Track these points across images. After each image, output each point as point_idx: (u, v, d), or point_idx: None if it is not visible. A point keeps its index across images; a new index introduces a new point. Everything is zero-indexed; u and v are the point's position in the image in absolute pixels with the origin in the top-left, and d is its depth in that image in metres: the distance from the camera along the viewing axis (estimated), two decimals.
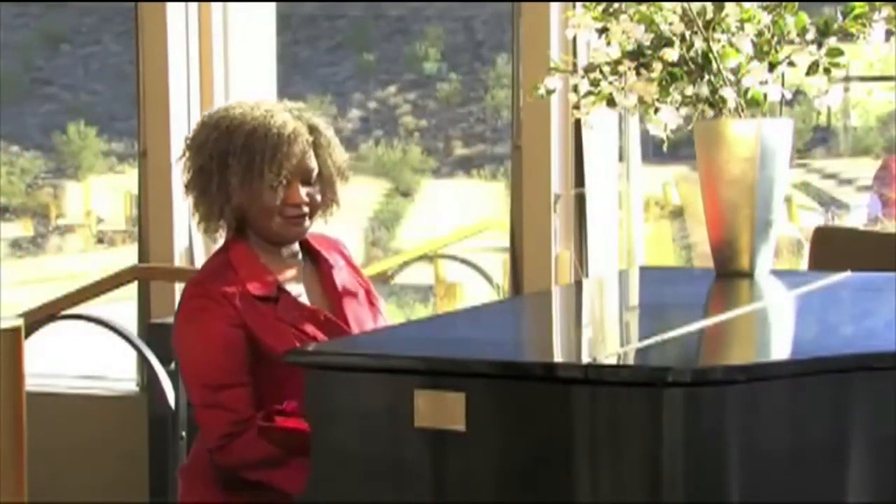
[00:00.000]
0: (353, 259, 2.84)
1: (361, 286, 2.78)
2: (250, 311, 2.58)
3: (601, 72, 2.64)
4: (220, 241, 2.75)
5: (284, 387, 2.54)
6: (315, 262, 2.74)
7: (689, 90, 2.61)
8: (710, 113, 2.64)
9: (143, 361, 4.12)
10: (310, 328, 2.60)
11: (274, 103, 2.73)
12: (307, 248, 2.75)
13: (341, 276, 2.74)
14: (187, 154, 2.68)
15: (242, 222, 2.68)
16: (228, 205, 2.65)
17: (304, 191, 2.64)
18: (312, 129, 2.68)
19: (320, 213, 2.74)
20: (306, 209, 2.65)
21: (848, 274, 2.75)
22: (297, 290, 2.68)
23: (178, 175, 2.75)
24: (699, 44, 2.59)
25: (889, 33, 2.56)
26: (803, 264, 4.11)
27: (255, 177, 2.61)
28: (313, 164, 2.66)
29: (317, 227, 2.81)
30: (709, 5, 2.60)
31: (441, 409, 1.82)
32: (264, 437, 2.52)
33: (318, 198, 2.67)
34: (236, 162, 2.62)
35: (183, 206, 4.42)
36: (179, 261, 4.41)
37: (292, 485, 2.48)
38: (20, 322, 2.73)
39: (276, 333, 2.57)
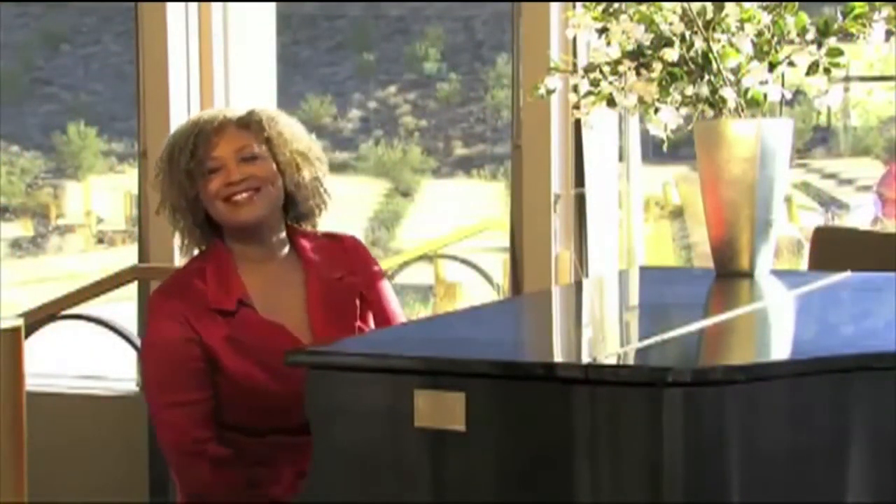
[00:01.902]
0: (372, 265, 2.75)
1: (354, 296, 2.68)
2: (207, 324, 2.56)
3: (601, 72, 2.64)
4: None
5: (240, 402, 2.53)
6: (307, 271, 2.68)
7: (689, 90, 2.61)
8: (710, 113, 2.64)
9: None
10: (259, 348, 2.55)
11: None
12: (302, 254, 2.69)
13: (331, 291, 2.66)
14: None
15: (213, 224, 2.67)
16: (173, 206, 2.65)
17: (242, 168, 2.59)
18: (245, 115, 2.66)
19: (315, 210, 2.71)
20: (253, 184, 2.59)
21: (848, 274, 2.75)
22: (268, 303, 2.62)
23: None
24: (699, 44, 2.59)
25: (889, 33, 2.56)
26: (803, 264, 4.11)
27: (174, 167, 2.61)
28: (245, 140, 2.61)
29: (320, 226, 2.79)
30: (709, 5, 2.60)
31: (441, 409, 1.82)
32: (216, 470, 2.52)
33: (269, 174, 2.61)
34: (163, 166, 2.65)
35: None
36: (179, 261, 4.40)
37: None
38: (20, 322, 2.73)
39: (227, 349, 2.55)
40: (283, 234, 2.69)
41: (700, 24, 2.58)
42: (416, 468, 1.85)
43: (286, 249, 2.69)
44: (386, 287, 2.76)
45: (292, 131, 2.67)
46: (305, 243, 2.70)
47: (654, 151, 3.73)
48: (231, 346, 2.55)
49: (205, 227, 2.66)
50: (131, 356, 4.46)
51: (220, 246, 2.64)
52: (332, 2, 16.25)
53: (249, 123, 2.64)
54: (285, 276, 2.66)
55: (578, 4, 2.74)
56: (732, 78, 2.60)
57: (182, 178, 2.60)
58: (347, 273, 2.70)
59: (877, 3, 2.55)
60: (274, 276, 2.65)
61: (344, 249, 2.73)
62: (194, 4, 4.44)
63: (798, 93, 2.67)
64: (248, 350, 2.53)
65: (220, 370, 2.54)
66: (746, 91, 2.61)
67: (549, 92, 2.71)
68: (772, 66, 2.59)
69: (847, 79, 2.69)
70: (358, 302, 2.68)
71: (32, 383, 2.91)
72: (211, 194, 2.60)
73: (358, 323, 2.67)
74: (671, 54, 2.57)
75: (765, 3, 2.60)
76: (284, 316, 2.61)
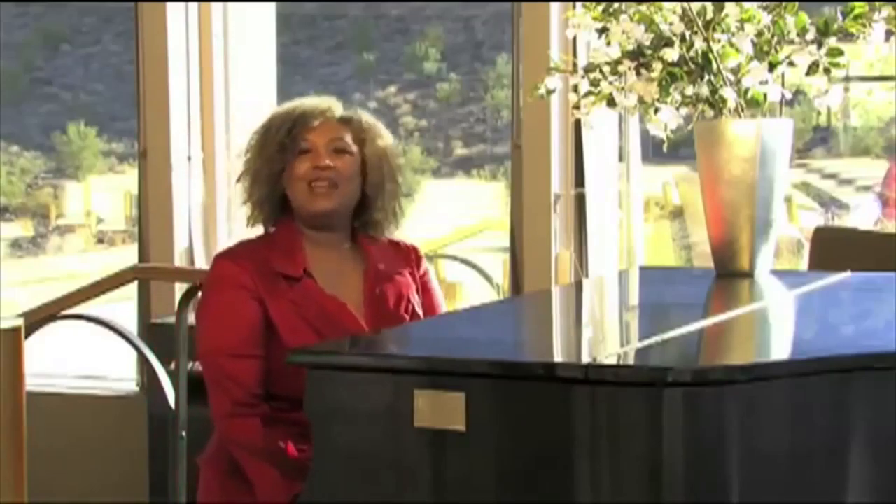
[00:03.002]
0: (429, 276, 2.81)
1: (407, 291, 2.73)
2: (269, 286, 2.61)
3: (601, 72, 2.64)
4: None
5: (290, 370, 2.56)
6: (366, 261, 2.74)
7: (689, 90, 2.61)
8: (710, 113, 2.64)
9: (143, 361, 4.12)
10: (319, 318, 2.60)
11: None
12: (364, 249, 2.74)
13: (386, 283, 2.72)
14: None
15: (286, 205, 2.70)
16: (254, 175, 2.67)
17: (331, 157, 2.65)
18: (347, 115, 2.72)
19: (384, 222, 2.73)
20: (334, 176, 2.64)
21: (848, 274, 2.75)
22: (330, 281, 2.67)
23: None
24: (699, 44, 2.59)
25: (889, 33, 2.56)
26: (803, 264, 4.11)
27: (269, 138, 2.67)
28: (340, 133, 2.68)
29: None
30: (709, 5, 2.60)
31: (441, 409, 1.82)
32: (266, 428, 2.54)
33: (352, 172, 2.66)
34: (258, 136, 2.71)
35: (183, 206, 4.42)
36: (179, 261, 4.41)
37: (262, 488, 2.52)
38: (20, 322, 2.73)
39: (287, 315, 2.59)
40: (349, 232, 2.75)
41: (700, 24, 2.58)
42: (416, 468, 1.85)
43: (349, 245, 2.75)
44: (436, 295, 2.84)
45: (385, 144, 2.75)
46: (368, 242, 2.76)
47: (654, 151, 3.74)
48: (291, 311, 2.61)
49: (276, 205, 2.71)
50: (131, 356, 4.46)
51: (289, 224, 2.70)
52: (332, 2, 16.24)
53: (350, 121, 2.73)
54: (346, 262, 2.73)
55: (578, 4, 2.75)
56: (732, 78, 2.60)
57: (273, 151, 2.67)
58: (402, 271, 2.77)
59: (877, 3, 2.55)
60: (336, 261, 2.72)
61: (402, 252, 2.81)
62: (194, 4, 4.44)
63: (798, 93, 2.67)
64: (306, 319, 2.60)
65: (276, 336, 2.60)
66: (746, 91, 2.61)
67: (549, 92, 2.72)
68: (772, 66, 2.59)
69: (847, 79, 2.68)
70: (409, 298, 2.75)
71: (32, 383, 2.91)
72: (297, 175, 2.66)
73: (407, 316, 2.73)
74: (671, 54, 2.57)
75: (765, 3, 2.60)
76: (343, 297, 2.67)
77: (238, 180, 2.76)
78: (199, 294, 2.76)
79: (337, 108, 2.73)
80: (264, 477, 2.55)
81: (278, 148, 2.66)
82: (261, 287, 2.60)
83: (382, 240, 2.79)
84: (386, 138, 2.75)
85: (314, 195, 2.65)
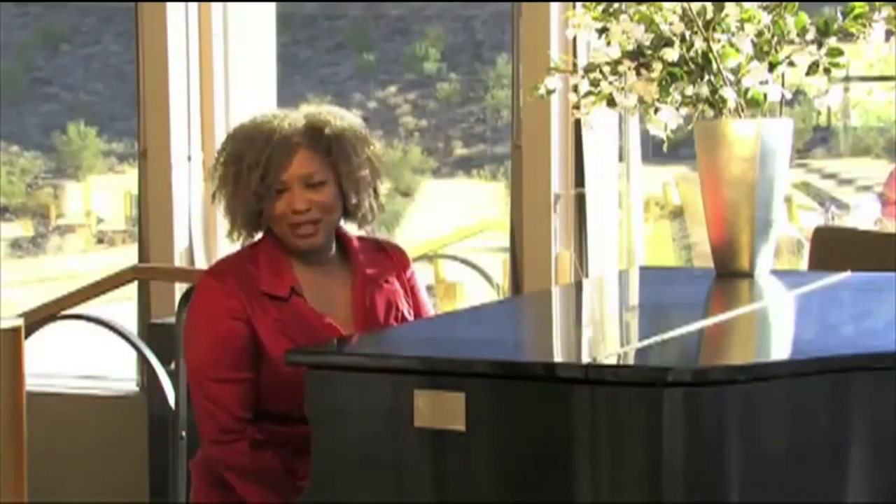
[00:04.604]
0: (415, 278, 2.77)
1: (395, 300, 2.71)
2: (256, 307, 2.59)
3: (601, 72, 2.64)
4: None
5: (278, 388, 2.55)
6: (354, 270, 2.71)
7: (689, 90, 2.61)
8: (710, 113, 2.64)
9: (143, 361, 4.12)
10: (306, 337, 2.57)
11: (309, 109, 2.67)
12: (351, 254, 2.72)
13: (375, 293, 2.69)
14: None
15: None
16: (232, 210, 2.65)
17: (306, 195, 2.60)
18: (314, 130, 2.62)
19: (361, 219, 2.70)
20: (315, 215, 2.60)
21: (848, 274, 2.75)
22: (317, 296, 2.65)
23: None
24: (699, 44, 2.59)
25: (889, 33, 2.56)
26: (803, 264, 4.12)
27: (241, 186, 2.61)
28: (312, 166, 2.61)
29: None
30: (709, 5, 2.60)
31: (441, 409, 1.82)
32: (254, 451, 2.55)
33: (331, 202, 2.61)
34: (229, 171, 2.64)
35: (183, 206, 4.43)
36: (179, 261, 4.41)
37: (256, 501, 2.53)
38: (20, 322, 2.73)
39: (274, 334, 2.57)
40: (334, 239, 2.71)
41: (700, 24, 2.58)
42: (416, 468, 1.85)
43: (335, 249, 2.71)
44: (423, 297, 2.80)
45: (356, 149, 2.65)
46: (354, 245, 2.73)
47: (654, 151, 3.74)
48: (278, 331, 2.58)
49: (259, 226, 2.68)
50: (131, 356, 4.46)
51: (271, 237, 2.67)
52: (333, 2, 16.24)
53: (319, 141, 2.61)
54: (333, 273, 2.69)
55: (578, 4, 2.75)
56: (732, 78, 2.60)
57: (248, 196, 2.60)
58: (390, 279, 2.73)
59: (877, 3, 2.55)
60: (323, 272, 2.68)
61: (389, 257, 2.76)
62: (194, 4, 4.44)
63: (798, 93, 2.67)
64: (294, 338, 2.56)
65: (263, 355, 2.57)
66: (746, 91, 2.61)
67: (549, 92, 2.71)
68: (772, 66, 2.59)
69: (847, 79, 2.69)
70: (397, 306, 2.71)
71: (32, 383, 2.91)
72: (277, 214, 2.61)
73: (397, 325, 2.70)
74: (671, 54, 2.57)
75: (765, 3, 2.61)
76: (332, 311, 2.64)
77: (213, 200, 2.69)
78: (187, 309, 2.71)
79: (300, 129, 2.61)
80: (254, 495, 2.56)
81: (254, 196, 2.59)
82: (247, 307, 2.58)
83: (367, 241, 2.76)
84: (354, 143, 2.64)
85: (297, 235, 2.61)
